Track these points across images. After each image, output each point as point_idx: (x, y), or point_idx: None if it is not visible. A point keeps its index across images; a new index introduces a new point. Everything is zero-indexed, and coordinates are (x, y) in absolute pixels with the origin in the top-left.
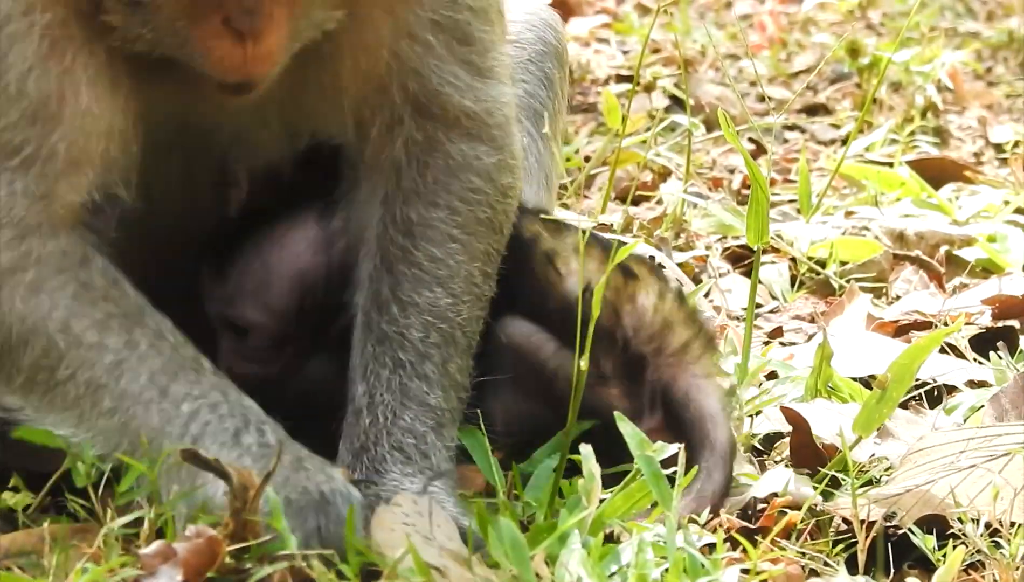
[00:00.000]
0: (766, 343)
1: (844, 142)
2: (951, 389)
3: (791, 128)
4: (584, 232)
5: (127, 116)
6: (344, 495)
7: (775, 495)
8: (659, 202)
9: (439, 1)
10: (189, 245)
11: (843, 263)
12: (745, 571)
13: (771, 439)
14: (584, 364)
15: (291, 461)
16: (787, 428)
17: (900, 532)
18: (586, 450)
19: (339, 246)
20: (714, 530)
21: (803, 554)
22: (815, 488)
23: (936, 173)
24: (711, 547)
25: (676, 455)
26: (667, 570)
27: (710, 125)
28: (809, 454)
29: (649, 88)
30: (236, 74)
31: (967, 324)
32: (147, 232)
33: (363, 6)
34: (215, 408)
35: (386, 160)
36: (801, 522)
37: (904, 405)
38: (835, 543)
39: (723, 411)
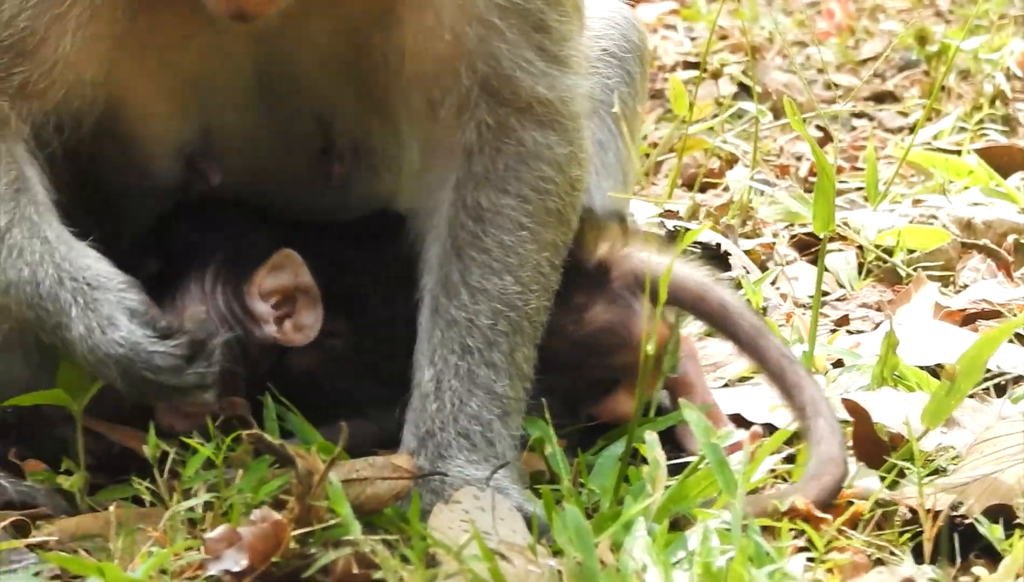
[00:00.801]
0: (832, 331)
1: (912, 130)
2: (1017, 378)
3: (858, 116)
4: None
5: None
6: None
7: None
8: (726, 189)
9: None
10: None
11: (910, 251)
12: (811, 560)
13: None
14: (651, 348)
15: None
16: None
17: (966, 522)
18: (651, 438)
19: None
20: (779, 519)
21: (869, 543)
22: (882, 477)
23: (1004, 161)
24: (776, 535)
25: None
26: (732, 558)
27: (777, 112)
28: (871, 445)
29: (716, 75)
30: (228, 5)
31: None
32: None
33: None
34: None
35: (457, 144)
36: (869, 512)
37: (970, 394)
38: (901, 532)
39: (825, 397)
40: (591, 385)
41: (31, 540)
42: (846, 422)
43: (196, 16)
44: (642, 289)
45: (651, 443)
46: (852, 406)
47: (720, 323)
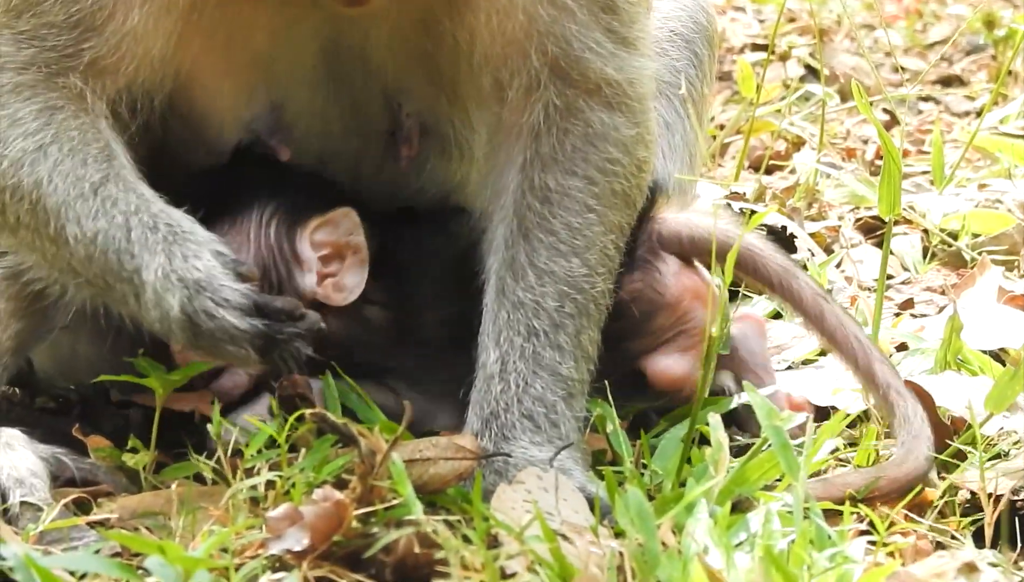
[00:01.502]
0: (897, 315)
1: (978, 114)
2: None
3: (925, 99)
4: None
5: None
6: None
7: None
8: (792, 172)
9: None
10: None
11: (975, 235)
12: (872, 543)
13: None
14: (716, 331)
15: None
16: None
17: None
18: (714, 420)
19: None
20: (841, 502)
21: (930, 528)
22: (945, 462)
23: None
24: (838, 518)
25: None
26: (794, 541)
27: (844, 95)
28: (935, 429)
29: (784, 57)
30: None
31: None
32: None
33: None
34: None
35: (525, 125)
36: (939, 499)
37: None
38: (962, 517)
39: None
40: (639, 354)
41: (92, 517)
42: None
43: None
44: (664, 248)
45: (714, 425)
46: (916, 390)
47: (777, 288)
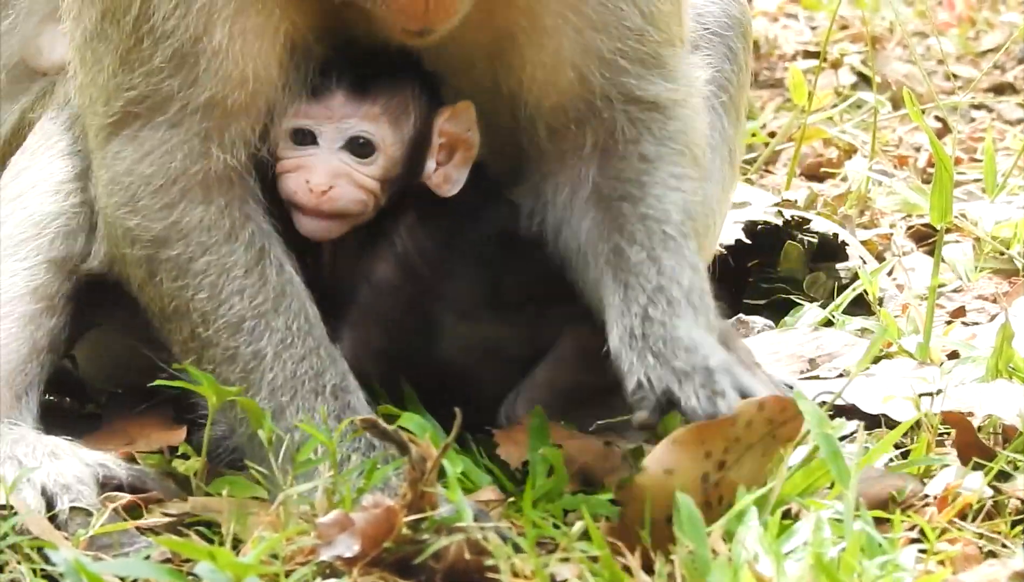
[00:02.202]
0: (948, 323)
1: None
2: None
3: (978, 107)
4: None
5: (284, 61)
6: None
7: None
8: (844, 179)
9: (624, 31)
10: None
11: None
12: (923, 551)
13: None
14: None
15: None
16: (967, 408)
17: None
18: None
19: None
20: (892, 510)
21: (980, 535)
22: (992, 468)
23: None
24: (889, 526)
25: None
26: (844, 549)
27: (896, 103)
28: (975, 452)
29: (836, 65)
30: (417, 22)
31: None
32: None
33: (544, 16)
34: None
35: (588, 142)
36: (977, 503)
37: None
38: (1013, 525)
39: None
40: None
41: (143, 522)
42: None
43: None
44: None
45: None
46: (955, 418)
47: None
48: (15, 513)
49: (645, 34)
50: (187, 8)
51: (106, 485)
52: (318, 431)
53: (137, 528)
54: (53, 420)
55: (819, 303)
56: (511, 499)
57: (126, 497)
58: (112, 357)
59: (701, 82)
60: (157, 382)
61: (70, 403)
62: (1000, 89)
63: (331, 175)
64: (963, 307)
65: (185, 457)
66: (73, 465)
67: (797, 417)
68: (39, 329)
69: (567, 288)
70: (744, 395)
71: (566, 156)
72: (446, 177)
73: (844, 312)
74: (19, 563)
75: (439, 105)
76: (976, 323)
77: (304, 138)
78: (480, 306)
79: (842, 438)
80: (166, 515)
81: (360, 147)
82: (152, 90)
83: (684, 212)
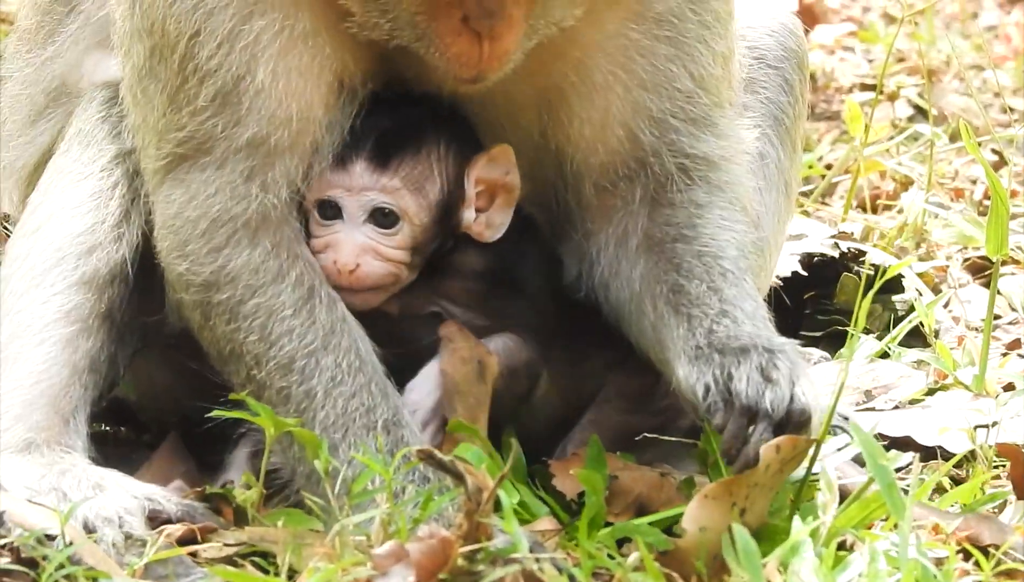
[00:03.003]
0: (1004, 355)
1: None
2: None
3: None
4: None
5: (330, 101)
6: None
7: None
8: (900, 211)
9: (674, 92)
10: None
11: None
12: None
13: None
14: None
15: None
16: (1022, 440)
17: None
18: (825, 462)
19: None
20: (946, 541)
21: None
22: None
23: None
24: (943, 558)
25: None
26: (899, 581)
27: (953, 135)
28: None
29: (893, 97)
30: (470, 70)
31: None
32: None
33: (594, 72)
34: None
35: (634, 198)
36: None
37: None
38: None
39: None
40: None
41: (198, 548)
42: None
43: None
44: None
45: (824, 468)
46: (1010, 451)
47: None
48: (71, 544)
49: (695, 96)
50: (231, 46)
51: (154, 519)
52: (373, 462)
53: (193, 559)
54: (109, 450)
55: (875, 335)
56: (566, 530)
57: (180, 527)
58: (166, 387)
59: (749, 142)
60: (214, 412)
61: (125, 432)
62: None
63: (357, 253)
64: (1019, 339)
65: (247, 486)
66: (119, 498)
67: (804, 453)
68: (77, 351)
69: (606, 336)
70: (794, 393)
71: (612, 211)
72: (488, 223)
73: (900, 344)
74: None
75: (475, 152)
76: None
77: (330, 212)
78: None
79: (897, 470)
80: (223, 545)
81: (384, 217)
82: (197, 130)
83: (739, 249)
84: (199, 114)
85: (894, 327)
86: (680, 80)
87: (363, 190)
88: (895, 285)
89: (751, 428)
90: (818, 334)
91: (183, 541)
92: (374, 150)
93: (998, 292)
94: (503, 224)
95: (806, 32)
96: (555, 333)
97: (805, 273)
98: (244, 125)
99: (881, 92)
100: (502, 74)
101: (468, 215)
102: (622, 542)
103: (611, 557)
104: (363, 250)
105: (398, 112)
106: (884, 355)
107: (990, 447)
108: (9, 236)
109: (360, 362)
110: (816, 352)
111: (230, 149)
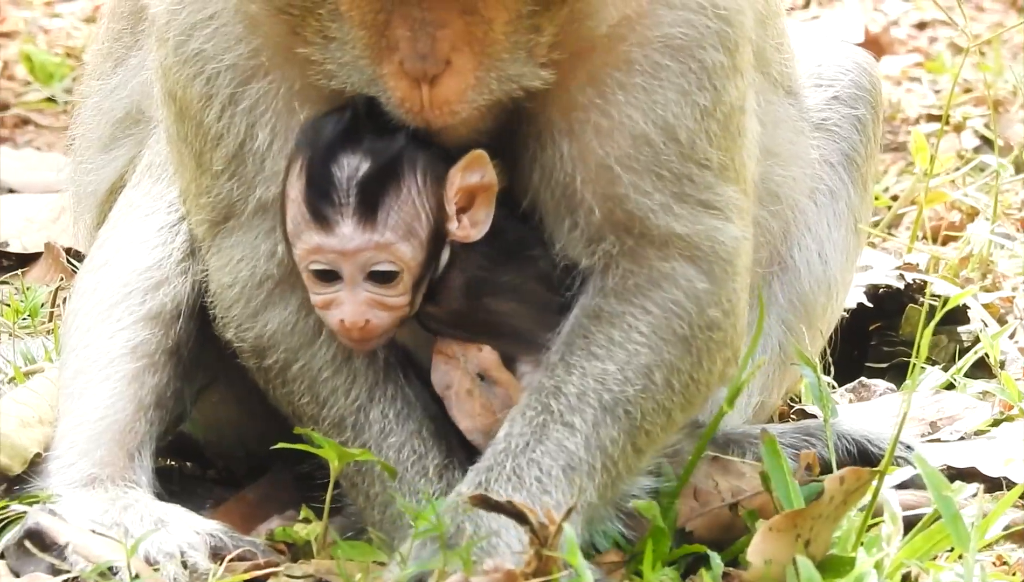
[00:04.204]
0: None
1: None
2: None
3: None
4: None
5: None
6: None
7: None
8: (966, 242)
9: (644, 148)
10: None
11: None
12: None
13: None
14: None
15: None
16: None
17: None
18: (889, 494)
19: None
20: (1014, 573)
21: None
22: None
23: None
24: None
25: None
26: None
27: (1019, 166)
28: None
29: (959, 128)
30: (417, 118)
31: None
32: None
33: (548, 130)
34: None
35: (592, 263)
36: None
37: None
38: None
39: None
40: None
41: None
42: None
43: None
44: None
45: (889, 498)
46: None
47: None
48: (136, 577)
49: (660, 149)
50: (233, 110)
51: (217, 555)
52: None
53: None
54: (174, 486)
55: (941, 366)
56: (631, 562)
57: (248, 565)
58: (231, 423)
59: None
60: (279, 444)
61: (191, 467)
62: None
63: (362, 311)
64: None
65: (307, 521)
66: (182, 533)
67: (867, 485)
68: (143, 387)
69: None
70: None
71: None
72: (472, 222)
73: (965, 375)
74: None
75: (447, 166)
76: None
77: (327, 276)
78: None
79: (963, 501)
80: (288, 578)
81: (382, 276)
82: (219, 194)
83: (584, 388)
84: (218, 178)
85: (959, 358)
86: (639, 128)
87: (358, 252)
88: (961, 316)
89: None
90: (884, 365)
91: (250, 580)
92: (358, 205)
93: None
94: (487, 218)
95: None
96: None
97: (871, 304)
98: (253, 187)
99: (947, 123)
100: (456, 127)
101: (451, 227)
102: (687, 574)
103: None
104: (368, 306)
105: (370, 148)
106: (949, 386)
107: None
108: (74, 270)
109: (408, 408)
110: (881, 384)
111: (247, 212)
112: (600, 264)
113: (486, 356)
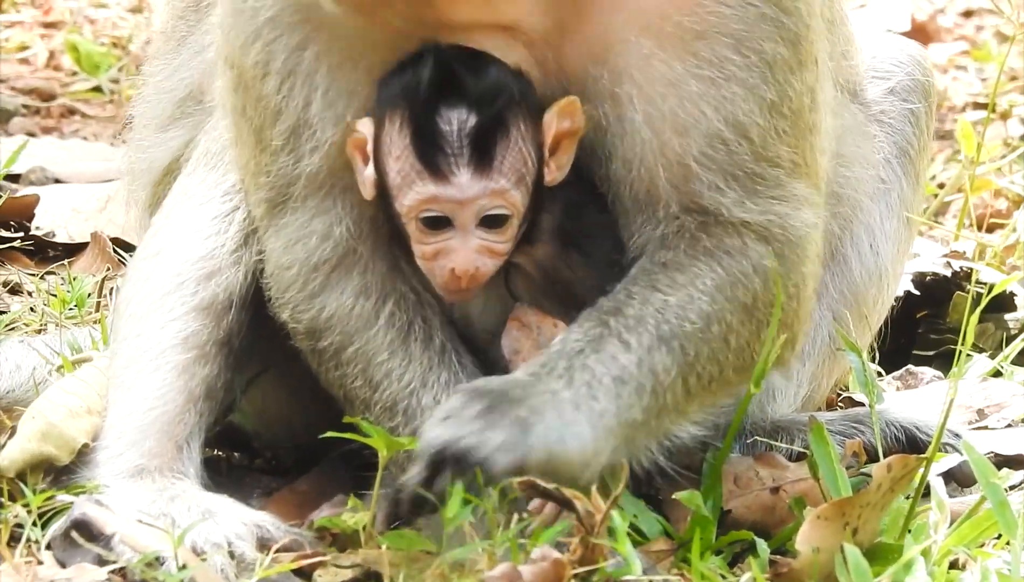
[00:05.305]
0: None
1: None
2: None
3: None
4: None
5: None
6: None
7: None
8: (1013, 230)
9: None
10: None
11: None
12: None
13: None
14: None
15: None
16: None
17: None
18: (936, 481)
19: None
20: None
21: None
22: None
23: None
24: None
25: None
26: None
27: None
28: None
29: (1005, 116)
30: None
31: None
32: None
33: (629, 122)
34: None
35: (659, 233)
36: None
37: None
38: None
39: None
40: None
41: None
42: None
43: None
44: None
45: (937, 485)
46: None
47: None
48: (183, 567)
49: (731, 145)
50: (292, 83)
51: (264, 545)
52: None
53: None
54: (222, 476)
55: (988, 354)
56: (680, 550)
57: (294, 556)
58: (279, 413)
59: (810, 214)
60: (328, 433)
61: (239, 458)
62: None
63: (473, 259)
64: None
65: (355, 510)
66: (229, 523)
67: (914, 472)
68: (193, 378)
69: None
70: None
71: (641, 223)
72: (558, 165)
73: (1012, 363)
74: None
75: (538, 105)
76: None
77: (438, 223)
78: None
79: (1010, 488)
80: (336, 568)
81: (495, 220)
82: (279, 172)
83: (643, 314)
84: (277, 154)
85: (1006, 345)
86: (712, 123)
87: (474, 199)
88: (1007, 303)
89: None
90: (931, 353)
91: (297, 570)
92: (472, 153)
93: None
94: (569, 163)
95: None
96: None
97: (918, 292)
98: (310, 160)
99: (993, 110)
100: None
101: (546, 172)
102: (734, 562)
103: (723, 577)
104: (479, 253)
105: (476, 97)
106: (997, 374)
107: None
108: (120, 260)
109: None
110: (929, 371)
111: (305, 189)
112: (672, 229)
113: (561, 332)
